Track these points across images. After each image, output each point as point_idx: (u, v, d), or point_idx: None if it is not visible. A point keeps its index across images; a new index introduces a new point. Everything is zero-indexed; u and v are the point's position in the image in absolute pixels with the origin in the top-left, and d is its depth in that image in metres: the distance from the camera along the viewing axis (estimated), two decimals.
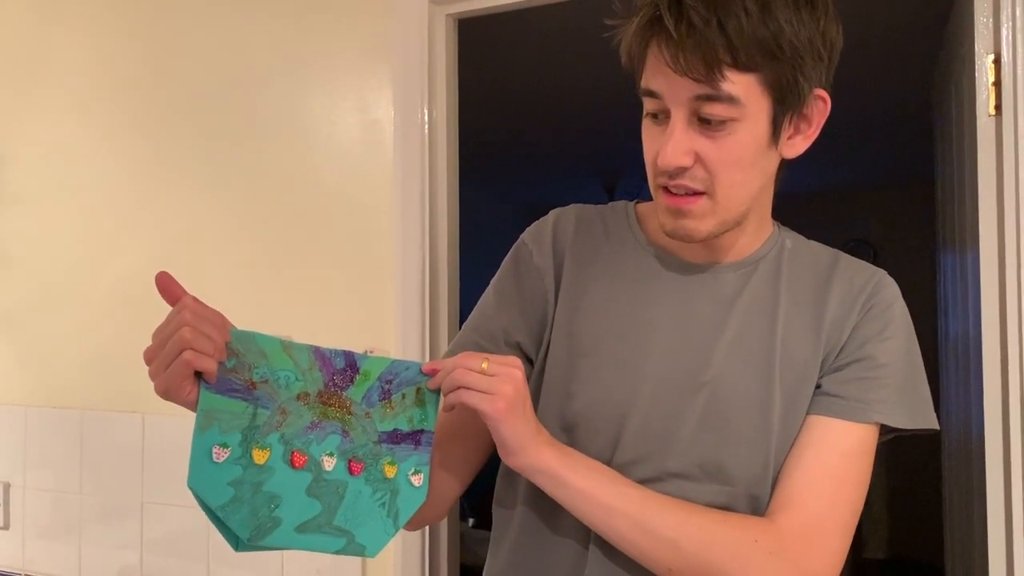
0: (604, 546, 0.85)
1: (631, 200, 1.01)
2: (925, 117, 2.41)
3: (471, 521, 3.63)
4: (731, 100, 0.76)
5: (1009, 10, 1.21)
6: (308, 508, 0.78)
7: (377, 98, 1.60)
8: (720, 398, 0.86)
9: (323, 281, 1.63)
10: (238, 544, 0.77)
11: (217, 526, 0.77)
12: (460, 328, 0.99)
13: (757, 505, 0.85)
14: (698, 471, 0.85)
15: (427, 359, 1.54)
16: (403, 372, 0.84)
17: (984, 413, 1.26)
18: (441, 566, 1.58)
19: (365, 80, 1.61)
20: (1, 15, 1.98)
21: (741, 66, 0.75)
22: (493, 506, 0.97)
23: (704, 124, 0.78)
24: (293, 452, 0.78)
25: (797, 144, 0.84)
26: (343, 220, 1.62)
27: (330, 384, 0.81)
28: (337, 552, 0.80)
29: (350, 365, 0.82)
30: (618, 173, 4.67)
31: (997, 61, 1.23)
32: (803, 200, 4.82)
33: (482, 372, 0.79)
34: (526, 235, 0.98)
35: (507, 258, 0.98)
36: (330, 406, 0.81)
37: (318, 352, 0.81)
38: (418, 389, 0.85)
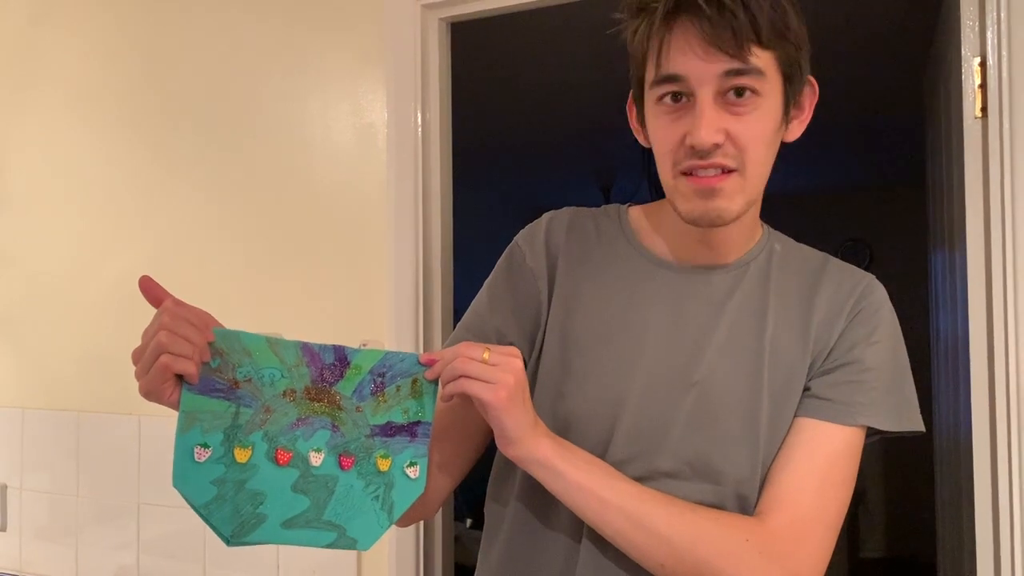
0: (597, 541, 0.87)
1: (625, 203, 1.02)
2: (919, 116, 2.42)
3: (468, 522, 3.64)
4: (759, 72, 0.80)
5: (995, 13, 1.22)
6: (295, 504, 0.80)
7: (371, 101, 1.61)
8: (710, 398, 0.88)
9: (317, 283, 1.64)
10: (229, 541, 0.79)
11: (208, 523, 0.78)
12: (454, 329, 1.00)
13: (745, 505, 0.87)
14: (687, 470, 0.87)
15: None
16: (397, 364, 0.85)
17: (972, 412, 1.28)
18: (435, 565, 1.59)
19: (359, 84, 1.62)
20: None
21: (764, 43, 0.80)
22: (487, 503, 0.99)
23: (729, 104, 0.81)
24: (277, 449, 0.80)
25: (794, 128, 0.89)
26: (338, 222, 1.63)
27: (318, 379, 0.82)
28: (328, 546, 0.81)
29: (340, 359, 0.83)
30: (613, 174, 4.68)
31: (983, 64, 1.24)
32: (799, 201, 4.84)
33: (483, 362, 0.80)
34: (519, 237, 1.00)
35: (501, 260, 1.00)
36: (318, 401, 0.82)
37: (306, 348, 0.82)
38: (414, 380, 0.85)
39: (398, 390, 0.85)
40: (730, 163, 0.83)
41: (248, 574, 1.64)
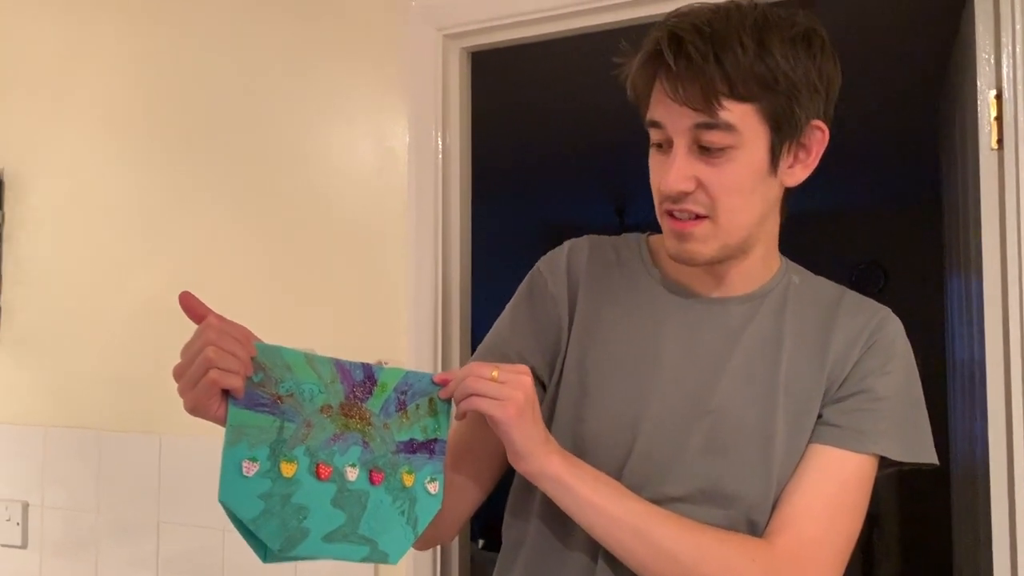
0: (611, 560, 0.87)
1: (643, 232, 1.04)
2: (935, 139, 2.43)
3: (480, 543, 3.63)
4: (728, 128, 0.80)
5: (1010, 47, 1.23)
6: (334, 518, 0.81)
7: (393, 128, 1.63)
8: (723, 426, 0.89)
9: (338, 303, 1.66)
10: (266, 555, 0.79)
11: (246, 538, 0.79)
12: (472, 351, 1.02)
13: (756, 530, 0.88)
14: (700, 495, 0.88)
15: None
16: (416, 383, 0.87)
17: (988, 438, 1.28)
18: None
19: (382, 110, 1.65)
20: (25, 37, 2.03)
21: (738, 96, 0.80)
22: (505, 521, 0.99)
23: (704, 152, 0.82)
24: (318, 464, 0.81)
25: (797, 172, 0.88)
26: (359, 244, 1.65)
27: (351, 396, 0.84)
28: (362, 560, 0.82)
29: (368, 377, 0.85)
30: (628, 196, 4.70)
31: (999, 97, 1.25)
32: (814, 221, 4.83)
33: (493, 380, 0.82)
34: (541, 264, 1.01)
35: (522, 285, 1.02)
36: (351, 417, 0.84)
37: (339, 365, 0.84)
38: (430, 399, 0.87)
39: (417, 408, 0.87)
40: (700, 210, 0.85)
41: None
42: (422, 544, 0.93)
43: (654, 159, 0.88)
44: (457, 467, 0.96)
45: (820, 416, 0.89)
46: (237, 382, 0.76)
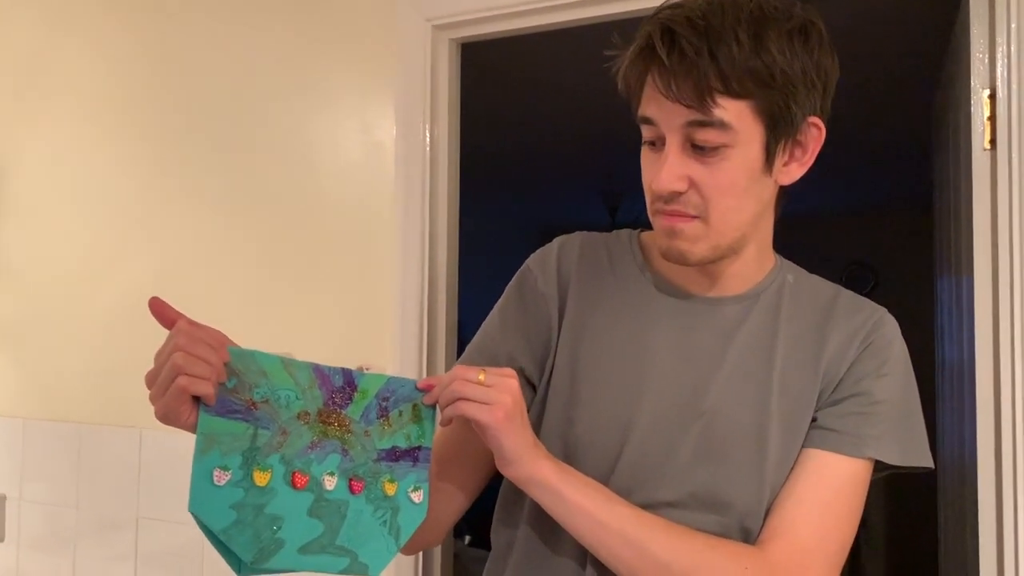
0: (600, 568, 0.86)
1: (635, 229, 1.02)
2: (927, 141, 2.43)
3: (467, 539, 3.62)
4: (723, 126, 0.78)
5: (1005, 47, 1.22)
6: (310, 529, 0.78)
7: (380, 120, 1.61)
8: (717, 429, 0.87)
9: (323, 297, 1.64)
10: (240, 567, 0.77)
11: (219, 550, 0.76)
12: (457, 344, 1.00)
13: (749, 537, 0.86)
14: (692, 500, 0.86)
15: (424, 376, 1.55)
16: (399, 389, 0.84)
17: (977, 441, 1.27)
18: None
19: (369, 102, 1.63)
20: (7, 26, 2.00)
21: (732, 93, 0.77)
22: (494, 527, 0.98)
23: (698, 150, 0.80)
24: (294, 473, 0.78)
25: (792, 170, 0.86)
26: (345, 238, 1.63)
27: (329, 402, 0.81)
28: (341, 572, 0.79)
29: (348, 383, 0.82)
30: (620, 193, 4.69)
31: (993, 96, 1.24)
32: (804, 222, 4.83)
33: (479, 383, 0.80)
34: (531, 261, 0.99)
35: (512, 283, 0.99)
36: (330, 424, 0.81)
37: (318, 370, 0.81)
38: (414, 406, 0.85)
39: (400, 415, 0.84)
40: (691, 211, 0.83)
41: None
42: (408, 549, 0.91)
43: (646, 156, 0.86)
44: (443, 472, 0.93)
45: (815, 419, 0.88)
46: (208, 388, 0.73)
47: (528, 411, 0.92)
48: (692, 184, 0.81)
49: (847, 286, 0.96)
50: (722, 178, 0.80)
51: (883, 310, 0.92)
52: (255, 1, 1.73)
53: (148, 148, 1.82)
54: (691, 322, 0.91)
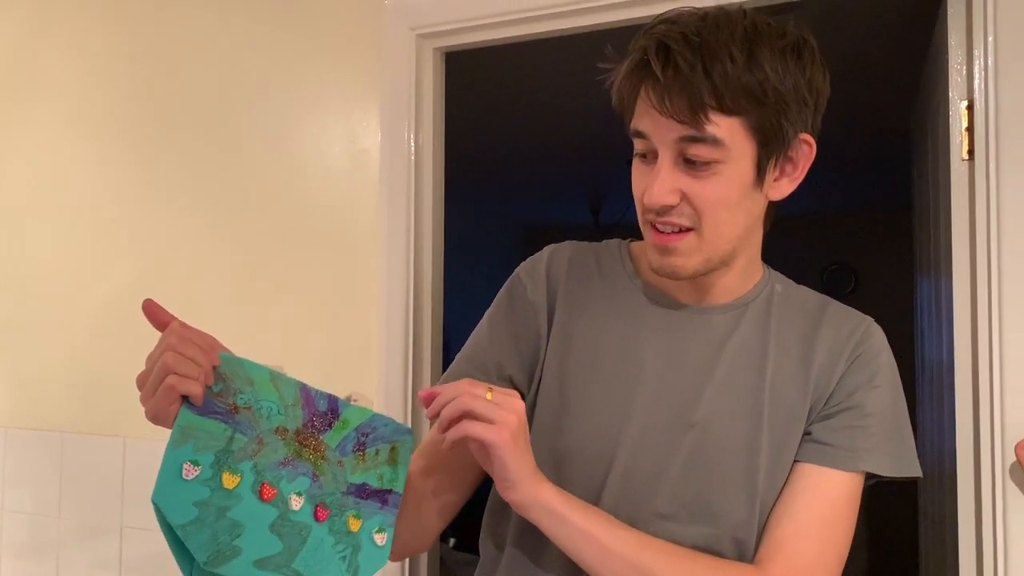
0: None
1: (624, 237, 1.03)
2: (907, 143, 2.45)
3: (452, 542, 3.62)
4: (715, 142, 0.79)
5: (982, 59, 1.23)
6: (269, 544, 0.77)
7: (365, 128, 1.61)
8: (708, 440, 0.87)
9: (308, 304, 1.64)
10: (192, 570, 0.76)
11: (173, 548, 0.75)
12: (443, 353, 1.00)
13: (742, 548, 0.87)
14: (683, 512, 0.87)
15: (410, 383, 1.56)
16: (381, 427, 0.84)
17: (956, 441, 1.29)
18: None
19: (354, 109, 1.63)
20: None
21: (726, 110, 0.78)
22: (481, 539, 0.98)
23: (689, 164, 0.81)
24: (263, 483, 0.78)
25: (783, 186, 0.87)
26: (329, 244, 1.63)
27: (309, 424, 0.81)
28: None
29: (331, 409, 0.82)
30: (604, 197, 4.71)
31: (970, 107, 1.25)
32: (786, 223, 4.85)
33: (486, 401, 0.79)
34: (521, 270, 1.00)
35: (501, 291, 1.00)
36: (305, 447, 0.81)
37: (304, 389, 0.81)
38: (392, 447, 0.85)
39: (376, 454, 0.84)
40: (685, 222, 0.83)
41: None
42: (396, 556, 0.91)
43: (637, 169, 0.87)
44: (432, 479, 0.94)
45: (808, 433, 0.88)
46: (196, 388, 0.74)
47: None
48: (684, 197, 0.82)
49: (828, 287, 0.97)
50: (713, 192, 0.82)
51: (870, 320, 0.93)
52: (240, 7, 1.72)
53: (131, 154, 1.81)
54: (681, 332, 0.92)
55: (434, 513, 0.95)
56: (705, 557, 0.84)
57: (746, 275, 0.94)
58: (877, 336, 0.92)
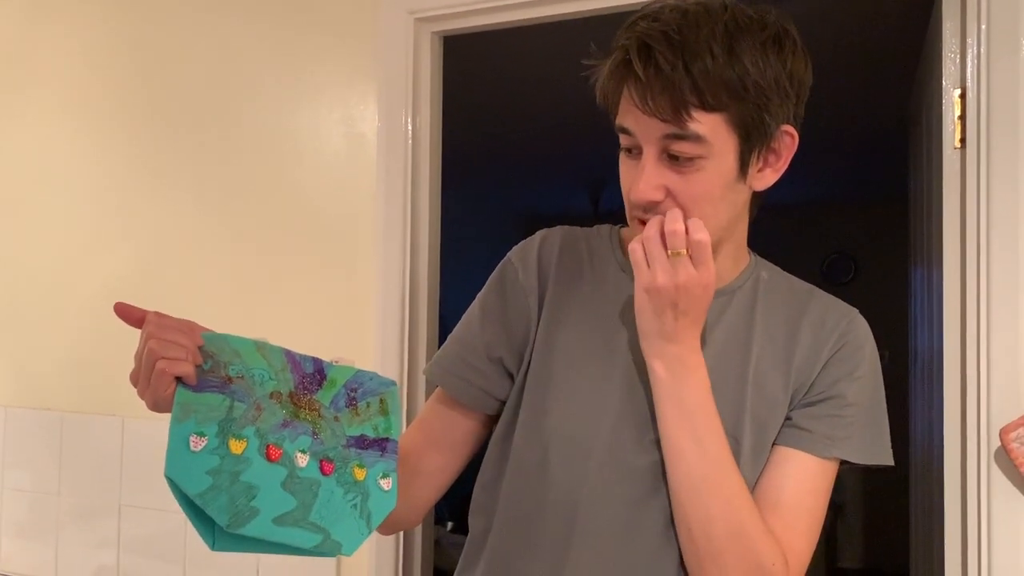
0: (582, 556, 0.88)
1: (616, 223, 1.04)
2: (905, 132, 2.46)
3: (449, 525, 3.65)
4: (698, 139, 0.80)
5: (975, 47, 1.24)
6: (284, 502, 0.80)
7: (362, 113, 1.62)
8: None
9: (304, 289, 1.65)
10: (215, 542, 0.78)
11: (192, 519, 0.77)
12: (439, 338, 1.02)
13: None
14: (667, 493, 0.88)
15: (406, 366, 1.57)
16: (367, 382, 0.87)
17: (944, 426, 1.30)
18: (415, 570, 1.61)
19: (351, 94, 1.63)
20: None
21: (707, 106, 0.79)
22: (471, 516, 0.99)
23: (673, 160, 0.82)
24: (268, 445, 0.80)
25: (766, 176, 0.88)
26: (326, 229, 1.64)
27: (300, 386, 0.83)
28: (315, 547, 0.81)
29: (318, 371, 0.85)
30: (602, 184, 4.71)
31: (963, 96, 1.26)
32: (786, 212, 4.88)
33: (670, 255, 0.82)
34: (512, 254, 1.01)
35: (493, 275, 1.01)
36: (301, 407, 0.83)
37: (289, 355, 0.84)
38: (381, 399, 0.88)
39: (368, 406, 0.87)
40: None
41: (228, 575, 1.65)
42: (385, 529, 0.93)
43: (624, 163, 0.88)
44: (423, 454, 0.96)
45: (789, 418, 0.90)
46: (187, 368, 0.75)
47: (507, 400, 0.95)
48: (669, 193, 0.84)
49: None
50: (697, 187, 0.83)
51: (854, 311, 0.94)
52: None
53: (129, 139, 1.82)
54: None
55: (425, 488, 0.97)
56: (755, 511, 0.85)
57: (732, 263, 0.95)
58: (861, 328, 0.93)
